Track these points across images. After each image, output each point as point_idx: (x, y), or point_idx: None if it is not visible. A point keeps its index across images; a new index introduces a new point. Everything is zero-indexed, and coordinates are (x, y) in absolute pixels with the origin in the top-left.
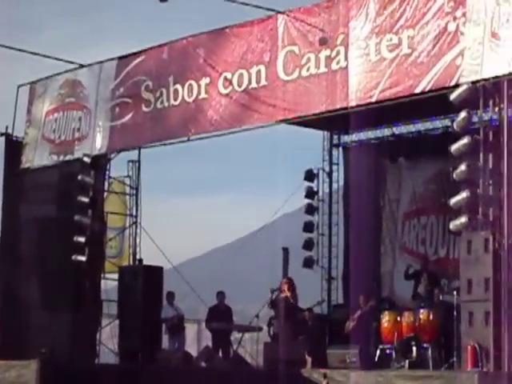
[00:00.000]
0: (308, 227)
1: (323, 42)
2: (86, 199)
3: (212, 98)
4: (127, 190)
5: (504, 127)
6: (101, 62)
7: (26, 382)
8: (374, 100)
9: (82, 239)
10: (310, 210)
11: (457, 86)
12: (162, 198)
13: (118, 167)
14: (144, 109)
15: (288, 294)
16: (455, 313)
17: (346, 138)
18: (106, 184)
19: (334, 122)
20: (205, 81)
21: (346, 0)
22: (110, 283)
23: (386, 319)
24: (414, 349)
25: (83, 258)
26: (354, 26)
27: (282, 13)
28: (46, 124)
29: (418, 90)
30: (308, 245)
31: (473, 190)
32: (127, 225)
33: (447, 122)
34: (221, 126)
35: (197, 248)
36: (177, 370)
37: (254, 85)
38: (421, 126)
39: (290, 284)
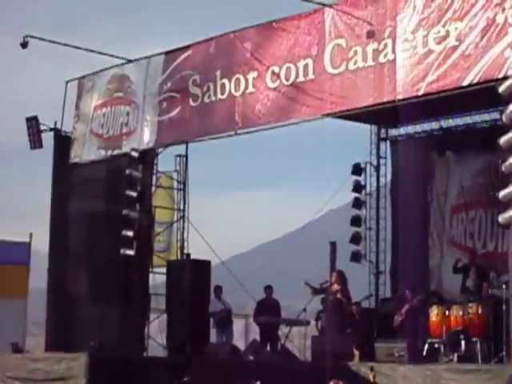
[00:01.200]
0: (355, 221)
1: (370, 35)
2: (134, 193)
3: (259, 91)
4: (175, 184)
5: None
6: (148, 57)
7: (75, 375)
8: (421, 93)
9: (130, 233)
10: (358, 204)
11: (505, 78)
12: (209, 192)
13: (166, 162)
14: (191, 103)
15: (338, 287)
16: (504, 307)
17: (393, 132)
18: (154, 178)
19: (382, 116)
20: (252, 75)
21: None
22: (158, 277)
23: (434, 313)
24: (463, 343)
25: (131, 252)
26: (402, 18)
27: (329, 6)
28: (94, 119)
29: (465, 83)
30: (355, 239)
31: None
32: (175, 219)
33: (495, 115)
34: (268, 119)
35: (244, 243)
36: (224, 363)
37: (301, 78)
38: (469, 119)
39: (340, 277)
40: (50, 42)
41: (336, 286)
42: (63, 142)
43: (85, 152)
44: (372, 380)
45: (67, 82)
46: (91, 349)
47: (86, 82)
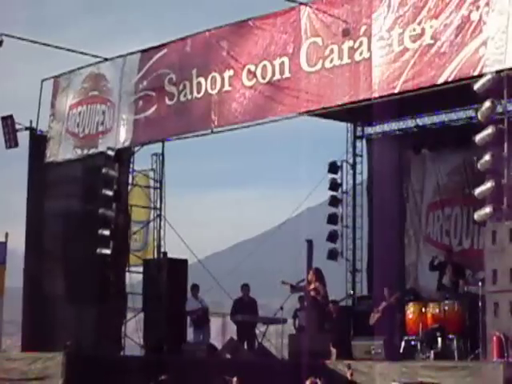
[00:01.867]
0: (332, 219)
1: (346, 34)
2: (110, 192)
3: (236, 90)
4: (151, 183)
5: None
6: (124, 56)
7: (51, 375)
8: (397, 91)
9: (106, 232)
10: (334, 202)
11: (480, 75)
12: (185, 191)
13: (142, 160)
14: (167, 102)
15: (315, 285)
16: (480, 303)
17: (369, 130)
18: (130, 177)
19: (358, 114)
20: (228, 73)
21: None
22: (134, 276)
23: (410, 310)
24: (440, 340)
25: (108, 251)
26: (377, 16)
27: (305, 4)
28: (70, 118)
29: (440, 81)
30: (332, 237)
31: (497, 179)
32: (151, 218)
33: (471, 113)
34: (244, 118)
35: (221, 242)
36: (201, 362)
37: (277, 77)
38: (444, 117)
39: (317, 275)
40: (26, 40)
41: (313, 284)
42: (39, 141)
43: (61, 151)
44: (350, 378)
45: (43, 81)
46: (68, 348)
47: (61, 80)
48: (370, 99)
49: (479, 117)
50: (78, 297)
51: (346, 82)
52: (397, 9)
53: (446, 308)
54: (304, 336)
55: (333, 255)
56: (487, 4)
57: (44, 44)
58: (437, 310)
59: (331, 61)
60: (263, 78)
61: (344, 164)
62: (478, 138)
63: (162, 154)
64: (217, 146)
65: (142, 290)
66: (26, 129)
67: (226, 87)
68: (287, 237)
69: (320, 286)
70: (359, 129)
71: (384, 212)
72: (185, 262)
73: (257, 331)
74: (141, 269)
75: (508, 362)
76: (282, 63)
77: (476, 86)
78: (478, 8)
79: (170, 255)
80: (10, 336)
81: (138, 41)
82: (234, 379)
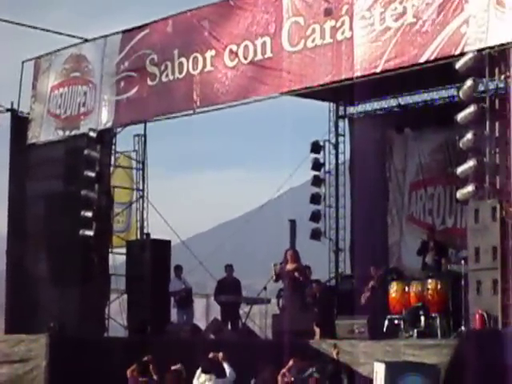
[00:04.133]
0: (315, 199)
1: (328, 13)
2: (92, 174)
3: (218, 70)
4: (133, 164)
5: (510, 95)
6: (105, 36)
7: (35, 356)
8: (379, 70)
9: (89, 214)
10: (317, 181)
11: (462, 54)
12: (168, 172)
13: (124, 141)
14: (149, 82)
15: (294, 265)
16: (463, 282)
17: (351, 110)
18: (113, 158)
19: (340, 93)
20: (210, 53)
21: None
22: (118, 258)
23: (393, 289)
24: (423, 318)
25: (91, 233)
26: None
27: None
28: (52, 99)
29: (422, 59)
30: (315, 217)
31: (479, 158)
32: (134, 199)
33: (453, 92)
34: (226, 98)
35: (204, 223)
36: (185, 342)
37: (259, 57)
38: (426, 96)
39: (294, 255)
40: (6, 21)
41: (291, 265)
42: (20, 123)
43: (42, 133)
44: (336, 357)
45: (23, 62)
46: (51, 330)
47: (42, 62)
48: (352, 79)
49: (461, 95)
50: (61, 278)
51: (328, 62)
52: None
53: (429, 287)
54: (287, 316)
55: (316, 235)
56: None
57: (24, 25)
58: (420, 289)
59: (313, 40)
60: (245, 58)
61: (326, 144)
62: (460, 116)
63: (145, 135)
64: (199, 126)
65: (125, 271)
66: (7, 110)
67: (208, 67)
68: (270, 217)
69: (300, 266)
70: (341, 108)
71: (367, 191)
72: (168, 242)
73: (241, 311)
74: (124, 250)
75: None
76: (264, 43)
77: (458, 65)
78: None
79: (153, 236)
80: None
81: (121, 21)
82: (220, 354)
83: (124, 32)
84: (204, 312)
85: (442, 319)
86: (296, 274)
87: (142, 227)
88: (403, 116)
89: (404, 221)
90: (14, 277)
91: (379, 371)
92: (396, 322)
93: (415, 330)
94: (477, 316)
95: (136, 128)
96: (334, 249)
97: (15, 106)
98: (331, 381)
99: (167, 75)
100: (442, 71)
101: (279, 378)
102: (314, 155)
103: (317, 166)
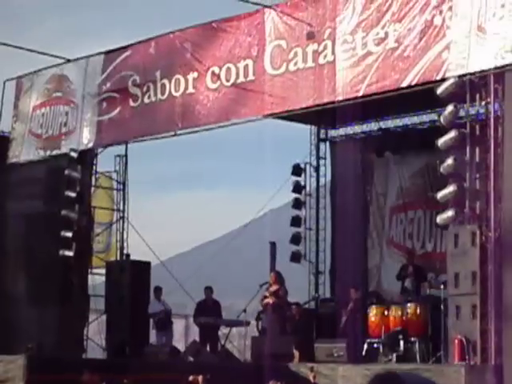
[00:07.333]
0: (295, 222)
1: (310, 37)
2: (73, 194)
3: (200, 92)
4: (114, 184)
5: (491, 121)
6: (88, 57)
7: (12, 378)
8: (360, 94)
9: (69, 234)
10: (298, 204)
11: (443, 79)
12: (149, 193)
13: (105, 162)
14: (131, 104)
15: (276, 287)
16: (442, 306)
17: (333, 133)
18: (93, 179)
19: (322, 117)
20: (192, 75)
21: None
22: (97, 278)
23: (373, 313)
24: (402, 343)
25: (70, 253)
26: (341, 20)
27: (269, 7)
28: (33, 119)
29: (404, 84)
30: (295, 239)
31: (460, 183)
32: (114, 220)
33: (434, 116)
34: (208, 120)
35: (184, 243)
36: (164, 365)
37: (241, 79)
38: (407, 121)
39: (277, 277)
40: None
41: (274, 287)
42: (1, 143)
43: (23, 152)
44: (312, 380)
45: (5, 82)
46: (29, 351)
47: (24, 81)
48: (333, 102)
49: (442, 121)
50: (40, 299)
51: (310, 85)
52: (360, 12)
53: (409, 311)
54: (267, 338)
55: (296, 257)
56: (450, 8)
57: (5, 44)
58: (399, 313)
59: (295, 64)
60: (227, 81)
61: (307, 166)
62: (441, 142)
63: (126, 155)
64: (181, 148)
65: (104, 292)
66: None
67: (190, 89)
68: (251, 239)
69: (281, 289)
70: (323, 131)
71: (347, 215)
72: (148, 264)
73: (220, 333)
74: (103, 271)
75: (469, 365)
76: (246, 66)
77: (439, 91)
78: (441, 12)
79: (132, 257)
80: None
81: (103, 42)
82: (200, 377)
83: (106, 53)
84: (183, 333)
85: (421, 344)
86: (273, 296)
87: (122, 248)
88: (384, 140)
89: (384, 244)
90: None
91: None
92: (375, 345)
93: (394, 355)
94: (456, 341)
95: (117, 148)
96: (313, 271)
97: None
98: None
99: (149, 96)
100: (423, 96)
101: None
102: (295, 178)
103: (298, 188)
